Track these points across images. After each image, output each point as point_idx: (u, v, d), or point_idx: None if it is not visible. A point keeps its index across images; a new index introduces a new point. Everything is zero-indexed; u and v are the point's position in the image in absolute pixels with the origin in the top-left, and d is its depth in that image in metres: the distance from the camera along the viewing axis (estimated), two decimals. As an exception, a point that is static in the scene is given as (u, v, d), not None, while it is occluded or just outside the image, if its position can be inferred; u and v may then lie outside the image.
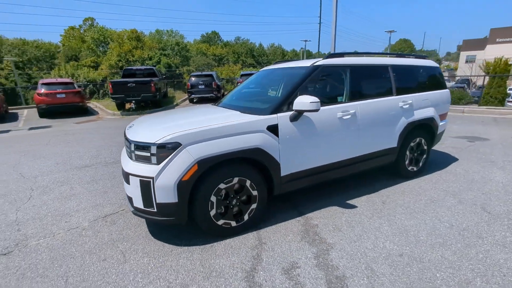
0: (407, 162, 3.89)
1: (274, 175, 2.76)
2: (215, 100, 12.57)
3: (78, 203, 3.49)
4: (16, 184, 4.17)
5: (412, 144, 3.87)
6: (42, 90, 10.95)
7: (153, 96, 11.50)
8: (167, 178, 2.31)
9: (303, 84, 3.00)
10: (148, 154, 2.36)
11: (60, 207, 3.38)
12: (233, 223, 2.66)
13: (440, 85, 4.28)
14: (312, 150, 2.96)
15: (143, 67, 13.92)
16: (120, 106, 12.10)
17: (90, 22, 47.75)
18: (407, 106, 3.66)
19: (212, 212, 2.52)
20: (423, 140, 3.99)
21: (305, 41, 35.31)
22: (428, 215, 2.95)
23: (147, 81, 11.31)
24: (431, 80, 4.19)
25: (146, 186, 2.34)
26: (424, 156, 4.10)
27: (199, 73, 15.41)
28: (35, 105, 11.89)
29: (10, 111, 13.32)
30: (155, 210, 2.38)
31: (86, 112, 12.56)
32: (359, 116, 3.22)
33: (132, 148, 2.47)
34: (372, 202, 3.28)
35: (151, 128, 2.66)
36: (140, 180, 2.36)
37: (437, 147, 5.29)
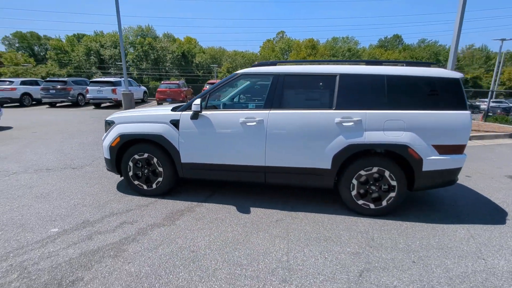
0: (354, 193, 3.12)
1: (175, 160, 3.43)
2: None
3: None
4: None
5: (363, 172, 3.06)
6: (207, 87, 15.34)
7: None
8: (105, 142, 3.64)
9: (216, 89, 3.39)
10: (104, 126, 3.79)
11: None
12: (144, 186, 3.62)
13: (449, 104, 2.96)
14: (211, 147, 3.31)
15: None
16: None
17: (281, 35, 56.59)
18: (350, 124, 2.99)
19: (130, 173, 3.61)
20: (387, 172, 3.02)
21: (502, 40, 25.06)
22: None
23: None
24: (430, 95, 3.00)
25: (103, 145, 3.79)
26: (392, 194, 3.07)
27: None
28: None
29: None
30: (105, 161, 3.78)
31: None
32: (268, 124, 3.14)
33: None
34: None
35: (115, 113, 4.03)
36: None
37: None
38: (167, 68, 47.55)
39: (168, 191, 3.64)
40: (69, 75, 51.33)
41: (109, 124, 3.67)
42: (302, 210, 3.29)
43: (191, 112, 3.31)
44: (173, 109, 3.48)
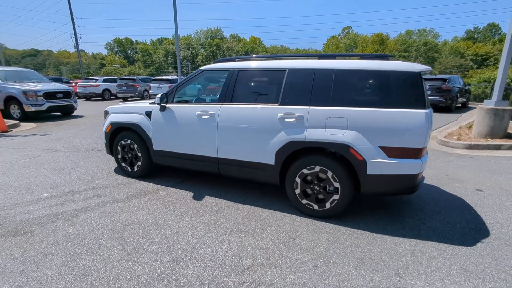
0: (298, 191, 3.00)
1: (149, 147, 3.86)
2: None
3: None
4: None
5: (305, 171, 2.92)
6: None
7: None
8: (103, 128, 4.30)
9: (182, 85, 3.66)
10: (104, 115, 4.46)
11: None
12: (129, 168, 4.15)
13: (403, 101, 2.58)
14: (174, 137, 3.61)
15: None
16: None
17: (347, 31, 53.47)
18: (292, 120, 2.89)
19: (119, 156, 4.18)
20: (330, 173, 2.81)
21: None
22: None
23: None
24: (381, 91, 2.67)
25: (104, 131, 4.48)
26: (336, 197, 2.84)
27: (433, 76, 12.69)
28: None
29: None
30: (104, 145, 4.47)
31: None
32: (219, 118, 3.26)
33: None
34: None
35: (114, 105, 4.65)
36: (105, 128, 4.53)
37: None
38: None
39: (147, 174, 4.10)
40: (151, 74, 58.59)
41: (106, 113, 4.32)
42: (251, 204, 3.32)
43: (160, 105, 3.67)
44: (152, 103, 3.90)
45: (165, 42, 58.04)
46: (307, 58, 3.17)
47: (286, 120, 2.92)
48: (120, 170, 4.35)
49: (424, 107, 2.53)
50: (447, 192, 3.73)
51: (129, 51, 79.98)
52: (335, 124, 2.74)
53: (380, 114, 2.61)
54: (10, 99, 9.57)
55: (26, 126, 8.54)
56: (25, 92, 9.38)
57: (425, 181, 4.06)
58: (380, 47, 40.19)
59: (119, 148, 4.15)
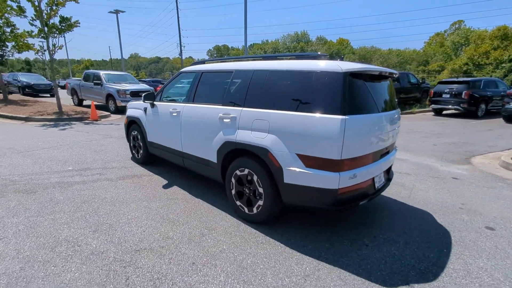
0: (233, 192, 2.97)
1: (145, 137, 4.45)
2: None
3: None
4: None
5: (239, 172, 2.86)
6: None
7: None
8: (123, 122, 5.16)
9: (168, 85, 4.06)
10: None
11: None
12: (136, 155, 4.86)
13: (321, 104, 2.24)
14: (158, 131, 4.07)
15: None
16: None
17: (457, 25, 44.68)
18: (228, 120, 2.88)
19: (131, 144, 4.96)
20: (255, 177, 2.68)
21: None
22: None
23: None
24: (303, 93, 2.38)
25: (128, 123, 5.35)
26: (260, 202, 2.68)
27: (454, 79, 11.82)
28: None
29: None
30: (127, 135, 5.34)
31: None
32: (182, 116, 3.52)
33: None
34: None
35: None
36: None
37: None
38: (314, 70, 49.14)
39: (148, 162, 4.72)
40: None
41: (126, 108, 5.17)
42: (204, 198, 3.46)
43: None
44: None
45: (255, 46, 61.65)
46: (255, 59, 3.10)
47: (224, 120, 2.95)
48: (133, 157, 5.15)
49: (339, 112, 2.16)
50: (438, 222, 2.95)
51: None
52: (259, 126, 2.61)
53: (297, 118, 2.36)
54: (109, 96, 12.22)
55: (113, 117, 10.78)
56: (118, 91, 11.82)
57: (422, 206, 3.31)
58: (502, 43, 32.32)
59: (131, 137, 4.92)
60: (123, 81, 13.21)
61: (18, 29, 12.58)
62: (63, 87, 27.70)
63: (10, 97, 14.80)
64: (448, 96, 11.05)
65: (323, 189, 2.29)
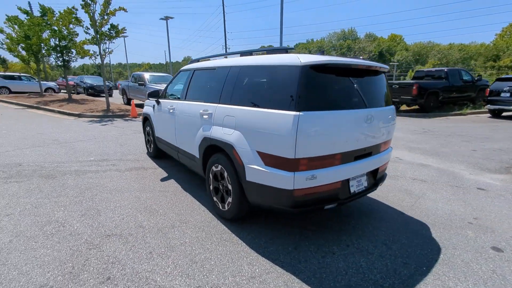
0: (211, 188, 2.98)
1: (153, 133, 4.71)
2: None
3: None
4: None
5: (214, 169, 2.85)
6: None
7: (411, 100, 10.54)
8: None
9: (170, 83, 4.23)
10: (147, 107, 5.69)
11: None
12: (149, 149, 5.19)
13: (279, 99, 2.10)
14: (162, 127, 4.28)
15: (434, 69, 12.02)
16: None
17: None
18: (206, 117, 2.90)
19: (145, 139, 5.30)
20: (226, 174, 2.64)
21: None
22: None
23: (409, 84, 10.52)
24: (266, 88, 2.27)
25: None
26: (230, 199, 2.64)
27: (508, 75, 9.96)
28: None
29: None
30: (146, 130, 5.72)
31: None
32: (176, 112, 3.64)
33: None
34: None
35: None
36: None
37: None
38: (361, 69, 46.42)
39: (158, 156, 5.00)
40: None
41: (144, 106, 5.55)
42: (192, 192, 3.55)
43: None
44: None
45: (300, 46, 60.74)
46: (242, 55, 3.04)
47: (203, 116, 2.98)
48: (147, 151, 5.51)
49: (295, 108, 2.01)
50: (433, 237, 2.56)
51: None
52: (228, 123, 2.58)
53: (258, 114, 2.28)
54: (151, 95, 13.23)
55: (151, 114, 11.66)
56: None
57: (422, 217, 2.91)
58: None
59: (145, 133, 5.27)
60: (164, 82, 14.19)
61: (78, 35, 14.36)
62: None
63: (75, 96, 16.99)
64: (508, 95, 9.45)
65: (279, 189, 2.17)
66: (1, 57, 14.08)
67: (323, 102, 2.13)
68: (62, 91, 23.45)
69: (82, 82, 22.71)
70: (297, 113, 2.01)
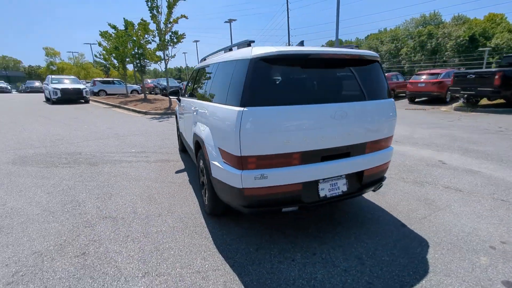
0: (200, 182, 3.06)
1: (178, 129, 5.07)
2: None
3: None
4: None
5: (200, 164, 2.92)
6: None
7: (492, 92, 8.58)
8: (177, 114, 6.02)
9: (189, 81, 4.47)
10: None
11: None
12: (179, 143, 5.60)
13: (233, 93, 1.99)
14: (180, 123, 4.57)
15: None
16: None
17: None
18: (195, 113, 2.98)
19: (177, 134, 5.75)
20: (205, 170, 2.67)
21: None
22: None
23: (491, 72, 8.56)
24: (227, 84, 2.18)
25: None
26: (207, 195, 2.66)
27: None
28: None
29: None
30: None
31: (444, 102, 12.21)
32: (184, 109, 3.85)
33: None
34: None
35: None
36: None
37: None
38: (444, 58, 39.70)
39: (184, 150, 5.37)
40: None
41: (177, 104, 6.00)
42: (195, 185, 3.71)
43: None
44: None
45: (370, 37, 55.61)
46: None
47: (194, 113, 3.09)
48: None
49: (240, 103, 1.90)
50: (427, 259, 2.10)
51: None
52: (203, 119, 2.63)
53: (218, 110, 2.25)
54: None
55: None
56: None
57: (428, 234, 2.41)
58: None
59: (177, 129, 5.72)
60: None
61: (151, 43, 16.33)
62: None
63: (149, 96, 19.49)
64: None
65: (232, 187, 2.10)
66: (107, 66, 17.70)
67: (274, 97, 1.96)
68: (147, 92, 27.30)
69: (158, 84, 25.87)
70: (241, 108, 1.90)
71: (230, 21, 27.75)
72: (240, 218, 2.78)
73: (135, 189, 3.63)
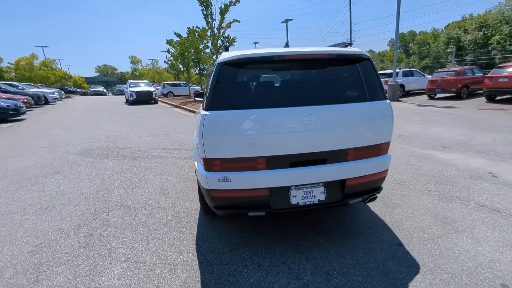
0: (202, 179, 3.21)
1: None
2: None
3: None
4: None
5: (200, 162, 3.06)
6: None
7: None
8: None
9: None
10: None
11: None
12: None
13: (205, 99, 2.03)
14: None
15: None
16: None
17: None
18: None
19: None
20: (198, 168, 2.79)
21: None
22: None
23: None
24: (209, 88, 2.22)
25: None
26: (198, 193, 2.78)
27: None
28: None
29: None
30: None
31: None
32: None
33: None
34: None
35: None
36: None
37: None
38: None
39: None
40: (426, 67, 52.21)
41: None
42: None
43: (206, 100, 5.02)
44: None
45: (449, 26, 48.07)
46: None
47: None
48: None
49: (206, 107, 1.94)
50: (408, 285, 1.78)
51: (411, 45, 75.71)
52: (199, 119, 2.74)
53: (199, 113, 2.32)
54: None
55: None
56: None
57: (430, 258, 2.06)
58: None
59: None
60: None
61: (208, 47, 17.45)
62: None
63: (207, 97, 20.90)
64: None
65: (204, 188, 2.17)
66: (182, 70, 20.30)
67: (239, 101, 1.95)
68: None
69: (217, 85, 27.56)
70: (206, 112, 1.95)
71: (286, 21, 27.62)
72: (231, 218, 2.83)
73: (156, 182, 4.00)
